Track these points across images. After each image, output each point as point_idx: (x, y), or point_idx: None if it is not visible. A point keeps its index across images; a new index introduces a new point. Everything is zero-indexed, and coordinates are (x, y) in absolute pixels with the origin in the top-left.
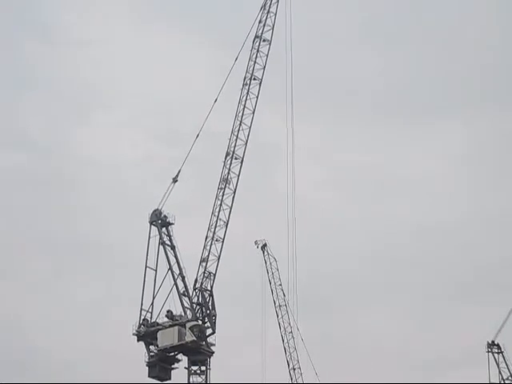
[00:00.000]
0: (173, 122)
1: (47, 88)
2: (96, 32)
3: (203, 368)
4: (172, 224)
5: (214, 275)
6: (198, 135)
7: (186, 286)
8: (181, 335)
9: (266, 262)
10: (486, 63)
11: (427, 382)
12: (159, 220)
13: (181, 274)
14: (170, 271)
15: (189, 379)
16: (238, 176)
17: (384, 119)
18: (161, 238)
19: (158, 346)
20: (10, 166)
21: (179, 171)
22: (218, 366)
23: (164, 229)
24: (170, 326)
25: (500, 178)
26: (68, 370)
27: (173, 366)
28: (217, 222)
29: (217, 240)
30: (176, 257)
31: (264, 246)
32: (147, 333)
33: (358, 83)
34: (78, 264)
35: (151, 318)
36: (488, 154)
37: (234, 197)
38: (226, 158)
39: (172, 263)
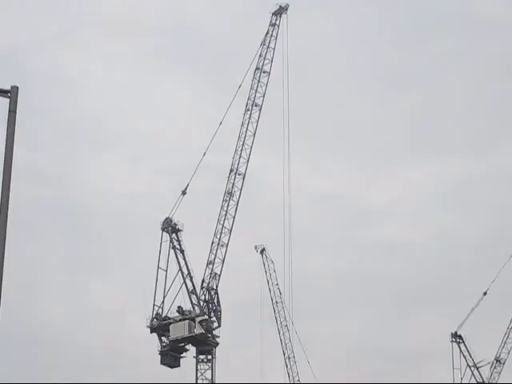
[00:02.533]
0: (175, 155)
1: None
2: (94, 71)
3: (209, 357)
4: (181, 230)
5: (219, 276)
6: (204, 153)
7: (193, 285)
8: (190, 328)
9: (264, 264)
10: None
11: (421, 383)
12: (170, 227)
13: (189, 274)
14: (180, 272)
15: (197, 366)
16: (241, 190)
17: (369, 154)
18: (172, 241)
19: (169, 337)
20: (34, 198)
21: (188, 185)
22: (222, 355)
23: (174, 234)
24: (180, 320)
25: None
26: (88, 357)
27: (181, 355)
28: (222, 229)
29: (222, 245)
30: (185, 259)
31: (263, 251)
32: (159, 326)
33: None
34: (95, 274)
35: (162, 312)
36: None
37: (236, 208)
38: (230, 174)
39: (181, 265)
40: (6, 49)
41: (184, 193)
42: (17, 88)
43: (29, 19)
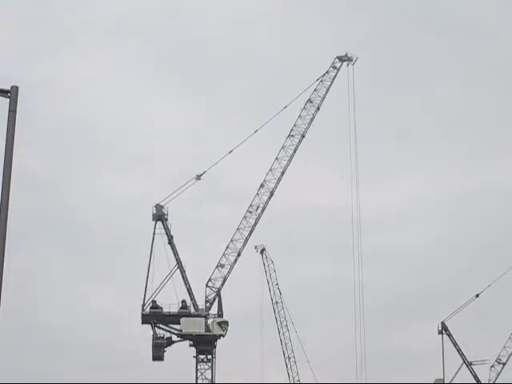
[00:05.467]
0: (171, 163)
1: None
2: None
3: (209, 357)
4: (166, 219)
5: (226, 279)
6: (231, 151)
7: (184, 279)
8: (206, 327)
9: (264, 264)
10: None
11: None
12: (158, 215)
13: (180, 267)
14: (178, 264)
15: (197, 366)
16: (266, 205)
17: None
18: (167, 233)
19: (180, 330)
20: (28, 204)
21: (204, 172)
22: (222, 355)
23: (160, 222)
24: (192, 315)
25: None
26: (87, 357)
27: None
28: (248, 238)
29: (238, 254)
30: (174, 249)
31: (263, 251)
32: (156, 315)
33: None
34: (93, 278)
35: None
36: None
37: (258, 221)
38: (259, 189)
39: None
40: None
41: (198, 178)
42: (17, 88)
43: (26, 23)
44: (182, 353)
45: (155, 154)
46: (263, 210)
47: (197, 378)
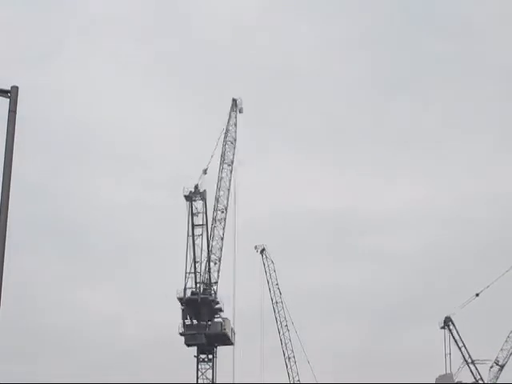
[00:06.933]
0: (166, 167)
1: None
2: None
3: (210, 356)
4: (194, 200)
5: (216, 283)
6: (212, 156)
7: (209, 269)
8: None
9: (264, 264)
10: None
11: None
12: (198, 194)
13: (209, 254)
14: (194, 257)
15: (197, 366)
16: (225, 219)
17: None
18: (192, 217)
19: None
20: (26, 214)
21: (207, 168)
22: (222, 354)
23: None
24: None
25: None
26: (90, 357)
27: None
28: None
29: (215, 263)
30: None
31: (263, 251)
32: (207, 303)
33: None
34: (88, 276)
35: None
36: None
37: (223, 232)
38: (214, 204)
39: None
40: None
41: (205, 172)
42: (17, 88)
43: (25, 24)
44: (181, 352)
45: (155, 156)
46: (224, 220)
47: (197, 378)
